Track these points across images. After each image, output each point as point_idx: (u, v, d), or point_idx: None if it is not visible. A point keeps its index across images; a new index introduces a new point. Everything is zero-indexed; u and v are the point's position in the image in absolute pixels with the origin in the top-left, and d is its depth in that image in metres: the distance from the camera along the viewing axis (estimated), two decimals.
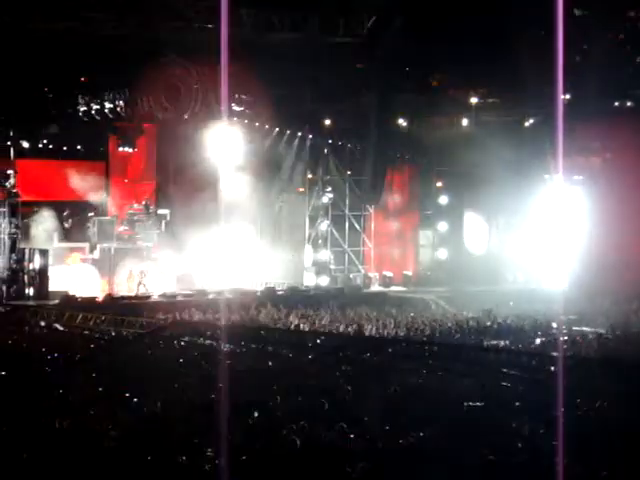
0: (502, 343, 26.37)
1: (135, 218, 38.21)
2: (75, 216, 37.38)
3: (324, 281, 41.76)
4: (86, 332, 27.31)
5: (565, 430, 13.12)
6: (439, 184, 45.05)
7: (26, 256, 34.89)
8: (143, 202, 38.60)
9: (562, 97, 31.18)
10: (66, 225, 37.13)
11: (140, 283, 36.28)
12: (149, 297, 35.29)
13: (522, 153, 41.23)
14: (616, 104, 39.06)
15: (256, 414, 14.61)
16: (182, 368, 19.97)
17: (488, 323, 30.21)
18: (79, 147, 38.28)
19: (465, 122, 42.02)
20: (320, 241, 42.74)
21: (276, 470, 11.83)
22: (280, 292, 38.06)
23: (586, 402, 15.88)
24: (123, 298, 35.06)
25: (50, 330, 27.67)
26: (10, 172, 35.22)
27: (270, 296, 36.74)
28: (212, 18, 29.94)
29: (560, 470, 11.50)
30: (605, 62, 35.93)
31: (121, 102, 36.37)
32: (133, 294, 35.73)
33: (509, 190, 41.85)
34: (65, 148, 37.98)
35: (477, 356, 23.00)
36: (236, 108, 37.47)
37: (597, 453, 12.62)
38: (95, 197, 37.64)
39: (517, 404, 16.20)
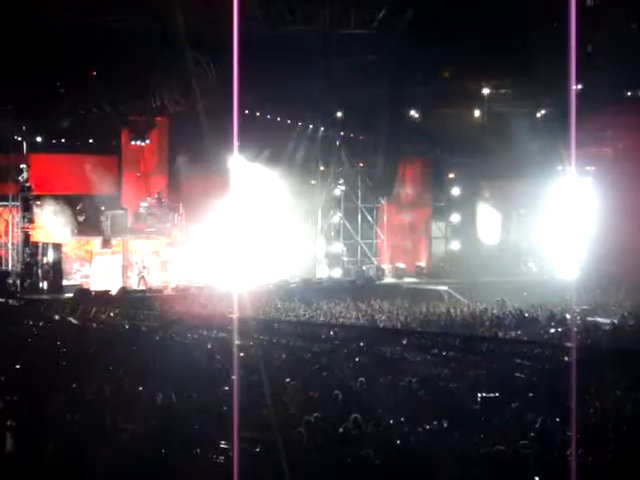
0: (515, 334, 26.37)
1: (148, 211, 38.31)
2: (88, 210, 37.45)
3: (337, 273, 41.80)
4: (100, 325, 27.37)
5: (578, 421, 13.12)
6: (451, 175, 45.00)
7: (40, 250, 35.02)
8: (156, 195, 38.68)
9: (574, 87, 31.09)
10: (79, 219, 37.21)
11: (141, 277, 36.34)
12: (162, 290, 35.39)
13: (534, 144, 41.11)
14: (628, 94, 38.98)
15: (269, 406, 14.64)
16: (195, 361, 20.00)
17: (501, 314, 30.20)
18: (91, 141, 38.34)
19: (477, 113, 42.00)
20: (333, 233, 42.78)
21: (288, 462, 11.85)
22: (293, 285, 38.08)
23: (600, 392, 15.88)
24: (136, 291, 35.19)
25: (64, 324, 27.74)
26: (23, 166, 35.37)
27: (283, 289, 36.78)
28: (224, 11, 29.96)
29: (572, 461, 11.50)
30: (617, 52, 35.84)
31: (133, 96, 36.40)
32: (140, 288, 35.82)
33: (522, 181, 41.80)
34: (78, 142, 38.04)
35: (490, 347, 22.99)
36: (248, 101, 37.48)
37: (609, 444, 12.63)
38: (108, 191, 37.72)
39: (530, 395, 16.20)
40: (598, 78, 36.28)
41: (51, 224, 36.26)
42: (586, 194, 41.72)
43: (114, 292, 34.54)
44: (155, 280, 36.75)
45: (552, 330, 27.09)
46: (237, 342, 21.55)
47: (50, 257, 34.96)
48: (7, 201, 35.51)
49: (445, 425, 13.64)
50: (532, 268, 44.22)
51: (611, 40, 36.64)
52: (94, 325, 27.23)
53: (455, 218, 44.94)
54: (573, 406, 13.30)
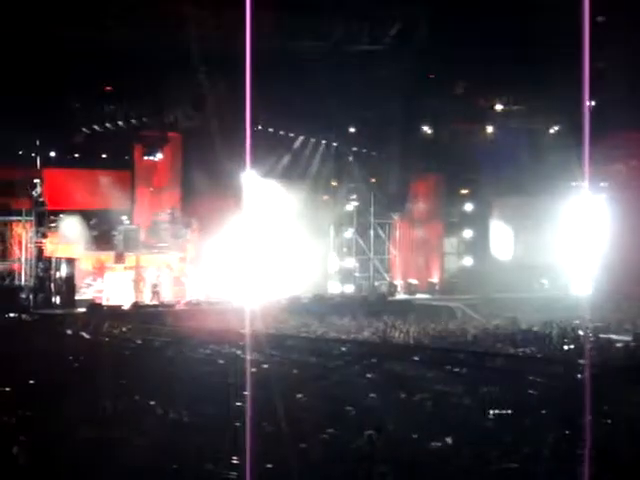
0: (529, 350, 26.28)
1: (161, 227, 38.36)
2: (101, 225, 37.51)
3: (349, 289, 41.75)
4: (112, 340, 27.40)
5: (592, 438, 13.06)
6: (464, 191, 44.94)
7: (53, 264, 35.10)
8: (169, 210, 38.73)
9: (588, 103, 31.06)
10: (92, 233, 37.26)
11: (155, 292, 36.36)
12: (174, 305, 35.41)
13: (547, 160, 41.09)
14: None
15: (282, 422, 14.61)
16: (207, 376, 20.00)
17: (514, 330, 30.12)
18: (105, 156, 38.44)
19: (490, 129, 41.99)
20: (345, 249, 42.76)
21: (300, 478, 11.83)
22: (305, 300, 38.06)
23: (613, 410, 15.80)
24: (149, 306, 35.22)
25: (76, 338, 27.78)
26: (37, 181, 35.49)
27: (295, 304, 36.77)
28: (237, 27, 30.06)
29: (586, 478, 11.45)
30: (630, 68, 35.81)
31: (146, 111, 36.49)
32: (153, 302, 35.85)
33: (535, 197, 41.74)
34: (91, 157, 38.11)
35: (503, 364, 22.93)
36: (260, 117, 37.61)
37: (624, 462, 12.56)
38: (121, 206, 37.79)
39: (543, 412, 16.13)
40: (611, 95, 36.25)
41: (64, 239, 36.34)
42: (600, 211, 41.64)
43: (126, 307, 34.58)
44: (168, 295, 36.78)
45: (565, 347, 27.00)
46: (249, 357, 21.54)
47: (63, 272, 35.04)
48: (21, 215, 35.61)
49: (456, 441, 13.59)
50: (545, 284, 44.11)
51: (624, 56, 36.62)
52: (106, 340, 27.28)
53: (467, 234, 44.88)
54: (587, 423, 13.24)
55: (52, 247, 35.92)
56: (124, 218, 37.80)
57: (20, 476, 12.24)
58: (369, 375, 20.58)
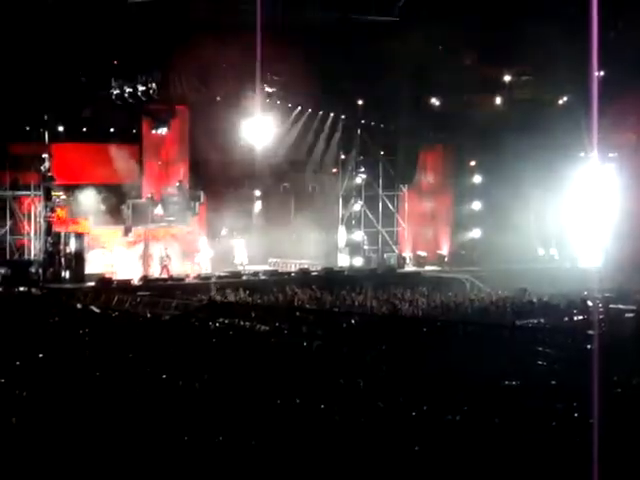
0: (537, 321, 26.30)
1: (169, 200, 38.34)
2: (110, 199, 37.49)
3: (358, 262, 41.72)
4: (122, 314, 27.47)
5: (601, 408, 13.08)
6: (473, 163, 44.77)
7: (62, 239, 35.14)
8: (177, 184, 38.71)
9: (597, 73, 30.92)
10: (101, 208, 37.25)
11: (164, 266, 36.37)
12: (184, 279, 35.45)
13: (556, 131, 40.90)
14: None
15: (292, 394, 14.66)
16: (217, 348, 20.07)
17: (523, 301, 30.13)
18: (113, 130, 38.35)
19: (499, 100, 41.81)
20: (354, 222, 42.67)
21: (313, 448, 11.87)
22: (314, 273, 38.08)
23: (622, 380, 15.81)
24: (158, 280, 35.27)
25: (86, 312, 27.86)
26: (45, 156, 35.43)
27: (304, 277, 36.80)
28: None
29: (595, 447, 11.47)
30: (638, 38, 35.62)
31: (154, 84, 36.31)
32: (162, 276, 35.88)
33: (544, 168, 41.56)
34: (99, 131, 38.02)
35: (512, 335, 22.95)
36: (269, 89, 37.55)
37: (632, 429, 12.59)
38: (129, 179, 37.78)
39: (552, 382, 16.16)
40: (620, 64, 36.05)
41: (73, 213, 36.36)
42: (609, 180, 41.50)
43: (136, 281, 34.63)
44: (177, 268, 36.81)
45: (574, 317, 27.00)
46: (259, 329, 21.63)
47: (72, 246, 35.05)
48: (29, 190, 35.62)
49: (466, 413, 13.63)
50: (554, 255, 44.03)
51: (633, 26, 36.39)
52: (116, 314, 27.36)
53: (476, 205, 44.69)
54: (595, 393, 13.26)
55: (61, 221, 35.92)
56: (132, 192, 37.79)
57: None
58: (378, 347, 20.58)
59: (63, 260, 34.96)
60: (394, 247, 43.19)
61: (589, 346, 19.54)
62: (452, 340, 21.97)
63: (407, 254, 43.11)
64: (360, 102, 41.28)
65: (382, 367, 17.33)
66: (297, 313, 27.00)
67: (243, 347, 19.84)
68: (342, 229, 42.15)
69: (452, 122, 42.15)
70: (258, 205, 41.87)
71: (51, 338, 21.23)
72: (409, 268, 42.20)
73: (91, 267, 35.46)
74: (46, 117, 36.16)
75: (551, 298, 30.52)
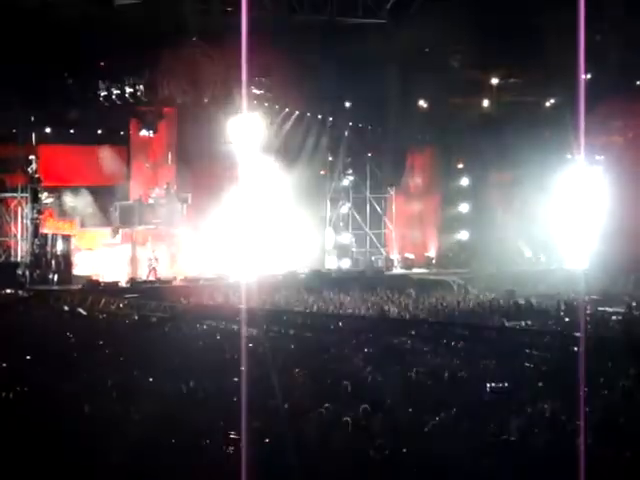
0: (525, 323, 26.35)
1: (157, 202, 38.29)
2: (97, 201, 37.44)
3: (346, 264, 41.74)
4: (109, 316, 27.41)
5: (588, 410, 13.10)
6: (460, 165, 44.86)
7: (49, 241, 35.06)
8: (164, 186, 38.67)
9: (583, 76, 30.99)
10: (88, 209, 37.19)
11: (152, 268, 36.30)
12: (171, 281, 35.42)
13: (543, 133, 41.02)
14: (638, 83, 38.87)
15: (278, 397, 14.64)
16: (204, 351, 20.03)
17: (510, 303, 30.18)
18: (100, 132, 38.30)
19: (486, 103, 41.89)
20: (341, 224, 42.72)
21: (299, 453, 11.85)
22: (302, 275, 38.06)
23: (609, 382, 15.83)
24: (145, 282, 35.22)
25: (73, 314, 27.79)
26: (32, 158, 35.38)
27: (292, 279, 36.78)
28: (233, 1, 29.99)
29: (582, 451, 11.48)
30: (625, 41, 35.73)
31: (141, 86, 36.30)
32: (150, 279, 35.83)
33: (531, 170, 41.66)
34: (86, 133, 37.96)
35: (499, 337, 22.99)
36: (256, 91, 37.53)
37: (621, 434, 12.60)
38: (117, 181, 37.73)
39: (540, 384, 16.18)
40: (607, 67, 36.17)
41: (60, 215, 36.29)
42: (596, 183, 41.62)
43: (123, 283, 34.58)
44: (164, 271, 36.77)
45: (561, 320, 27.05)
46: (246, 333, 21.58)
47: (59, 248, 34.99)
48: (16, 192, 35.55)
49: (454, 415, 13.62)
50: (541, 258, 44.12)
51: (620, 28, 36.51)
52: (103, 316, 27.30)
53: (464, 208, 44.77)
54: (582, 395, 13.29)
55: (48, 223, 35.86)
56: (120, 194, 37.75)
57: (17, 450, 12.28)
58: (365, 349, 20.58)
59: (50, 262, 34.88)
60: (382, 249, 43.26)
61: (576, 348, 19.57)
62: (439, 342, 21.98)
63: (395, 256, 43.15)
64: (348, 104, 41.30)
65: (368, 369, 17.30)
66: (284, 316, 26.97)
67: (229, 349, 19.79)
68: (330, 231, 42.17)
69: (439, 124, 42.25)
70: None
71: (38, 340, 21.17)
72: (397, 270, 42.24)
73: (78, 269, 35.40)
74: (33, 119, 36.12)
75: (538, 300, 30.56)
